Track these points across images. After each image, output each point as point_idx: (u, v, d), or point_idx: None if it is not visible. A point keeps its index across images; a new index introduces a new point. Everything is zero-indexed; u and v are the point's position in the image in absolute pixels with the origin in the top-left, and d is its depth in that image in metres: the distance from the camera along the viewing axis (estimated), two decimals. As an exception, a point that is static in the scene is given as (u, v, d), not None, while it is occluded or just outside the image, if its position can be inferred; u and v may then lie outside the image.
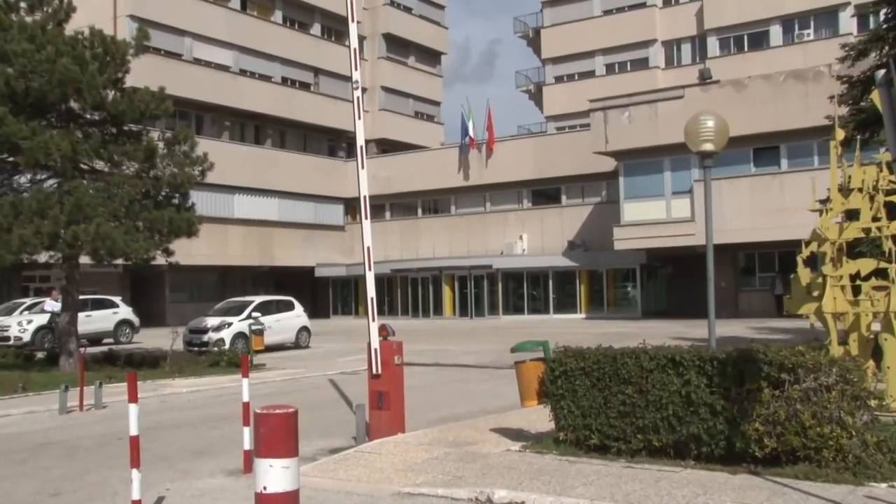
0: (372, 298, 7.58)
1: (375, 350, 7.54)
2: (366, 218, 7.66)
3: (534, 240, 32.34)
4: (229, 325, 17.87)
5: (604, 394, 6.08)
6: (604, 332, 21.28)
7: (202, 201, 30.32)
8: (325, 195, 36.84)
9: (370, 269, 7.69)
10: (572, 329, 23.13)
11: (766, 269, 27.32)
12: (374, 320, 7.52)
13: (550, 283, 31.00)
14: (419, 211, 36.48)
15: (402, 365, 7.74)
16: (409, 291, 33.86)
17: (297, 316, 20.06)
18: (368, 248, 7.62)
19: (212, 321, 18.08)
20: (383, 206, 36.75)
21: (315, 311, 35.22)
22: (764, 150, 24.77)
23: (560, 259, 30.45)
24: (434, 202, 36.32)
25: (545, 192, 33.72)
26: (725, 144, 7.22)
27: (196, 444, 7.71)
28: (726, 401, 5.48)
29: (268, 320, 18.23)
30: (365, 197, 7.64)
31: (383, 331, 7.61)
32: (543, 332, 20.70)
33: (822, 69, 23.62)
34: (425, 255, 34.47)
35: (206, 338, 17.52)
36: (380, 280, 33.06)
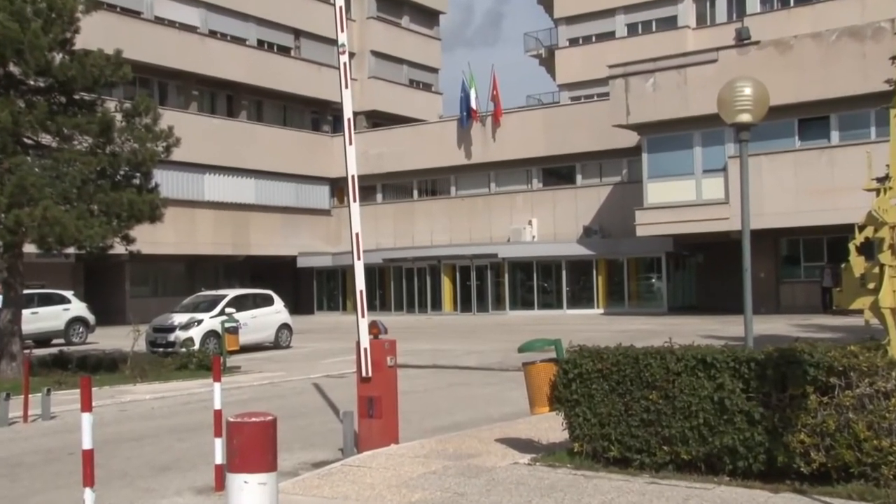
0: (361, 291, 7.57)
1: (365, 350, 7.53)
2: (354, 200, 7.66)
3: (545, 225, 32.33)
4: (199, 322, 17.86)
5: (624, 399, 6.06)
6: (624, 329, 21.27)
7: (167, 182, 30.35)
8: (308, 175, 36.79)
9: (359, 259, 7.68)
10: (588, 326, 23.10)
11: (813, 258, 27.19)
12: (363, 316, 7.51)
13: (564, 274, 31.02)
14: (415, 193, 36.45)
15: (395, 367, 7.74)
16: (403, 284, 33.88)
17: (277, 312, 20.07)
18: (357, 235, 7.62)
19: (179, 318, 18.06)
20: (374, 187, 36.67)
21: (297, 306, 35.23)
22: (811, 121, 24.50)
23: (574, 247, 30.46)
24: (432, 183, 36.27)
25: (558, 172, 33.61)
26: (765, 115, 7.15)
27: (160, 459, 7.69)
28: (766, 408, 5.44)
29: (243, 317, 18.21)
30: (353, 177, 7.64)
31: (374, 328, 7.60)
32: (555, 330, 20.73)
33: (884, 25, 22.97)
34: (422, 243, 34.47)
35: (172, 337, 17.52)
36: (370, 271, 33.05)
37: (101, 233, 12.71)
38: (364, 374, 7.54)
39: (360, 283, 7.63)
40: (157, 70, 32.71)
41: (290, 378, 13.76)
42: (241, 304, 19.03)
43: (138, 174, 13.84)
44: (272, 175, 35.33)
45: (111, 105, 14.11)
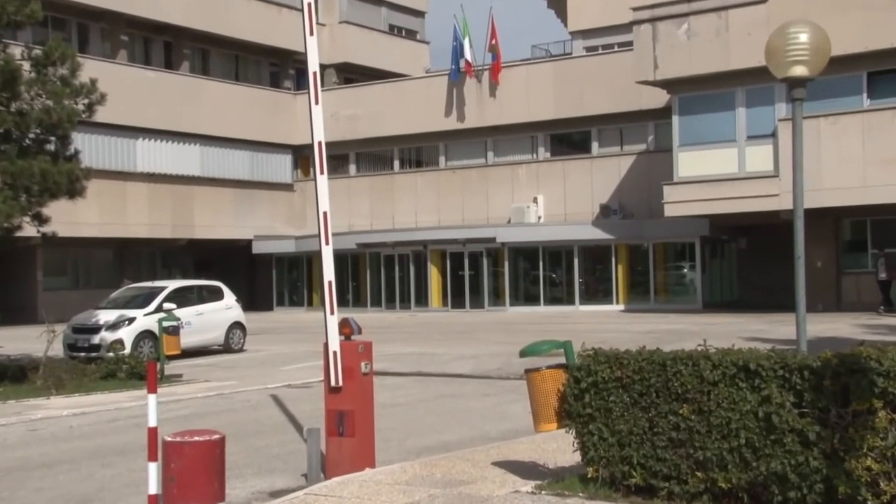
0: (330, 283, 7.56)
1: (335, 354, 7.53)
2: (322, 173, 7.66)
3: (553, 203, 32.38)
4: (131, 321, 17.79)
5: (649, 414, 6.05)
6: (649, 329, 21.34)
7: (91, 148, 30.19)
8: (265, 141, 36.67)
9: (328, 244, 7.67)
10: (606, 325, 23.15)
11: (884, 243, 26.95)
12: (333, 313, 7.50)
13: (576, 262, 31.10)
14: (396, 163, 36.40)
15: (371, 374, 7.75)
16: (381, 274, 33.91)
17: (228, 308, 20.04)
18: (325, 215, 7.62)
19: (105, 316, 17.98)
20: (346, 156, 36.63)
21: (252, 300, 35.19)
22: (883, 74, 24.28)
23: (589, 230, 30.52)
24: (416, 151, 36.24)
25: (569, 138, 33.56)
26: (826, 67, 7.11)
27: (79, 490, 7.63)
28: (823, 427, 5.42)
29: (185, 314, 18.13)
30: (320, 144, 7.62)
31: (346, 328, 7.62)
32: (566, 330, 20.79)
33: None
34: (404, 225, 34.47)
35: (96, 339, 17.45)
36: (341, 258, 32.94)
37: (5, 210, 12.54)
38: (333, 383, 7.54)
39: (329, 272, 7.61)
40: (77, 8, 32.33)
41: (244, 388, 13.74)
42: (182, 298, 18.97)
43: (53, 138, 13.65)
44: (221, 141, 35.16)
45: (16, 51, 13.86)
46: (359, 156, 36.87)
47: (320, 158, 7.67)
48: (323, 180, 7.69)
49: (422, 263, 33.29)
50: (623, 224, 30.40)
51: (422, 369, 15.38)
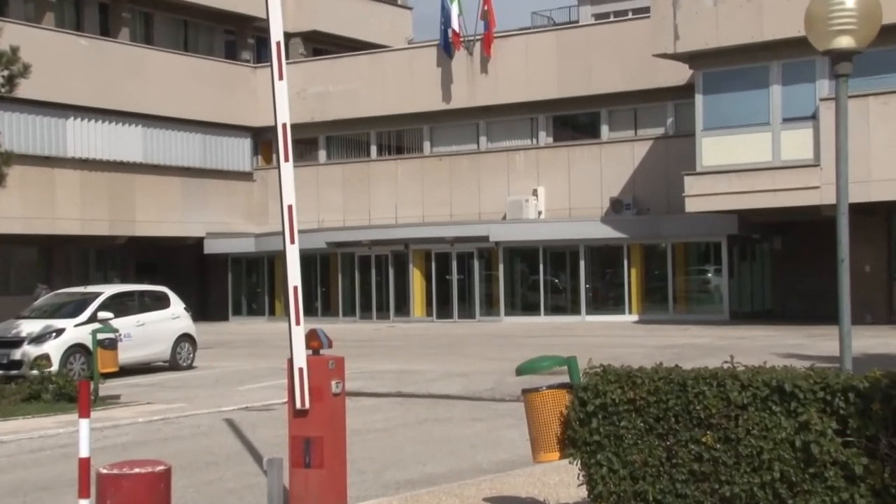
0: (296, 288, 7.54)
1: (301, 371, 7.50)
2: (287, 160, 7.66)
3: (556, 196, 32.44)
4: (59, 332, 17.68)
5: (667, 443, 6.05)
6: (668, 343, 21.38)
7: (12, 128, 29.95)
8: (220, 123, 36.55)
9: (293, 243, 7.64)
10: (617, 339, 23.19)
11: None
12: (299, 324, 7.48)
13: (582, 265, 31.17)
14: (373, 149, 36.38)
15: (343, 395, 7.75)
16: (355, 278, 33.93)
17: (175, 317, 19.97)
18: (291, 209, 7.62)
19: (29, 327, 17.85)
20: (315, 140, 36.64)
21: (204, 308, 35.06)
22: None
23: (598, 227, 30.62)
24: (397, 136, 36.25)
25: (575, 121, 33.60)
26: (875, 38, 7.12)
27: (-1, 528, 7.58)
28: (872, 458, 5.41)
29: (124, 324, 18.03)
30: (285, 126, 7.62)
31: (314, 341, 7.63)
32: (570, 344, 20.79)
33: None
34: (383, 220, 34.46)
35: (18, 354, 17.31)
36: (310, 259, 32.80)
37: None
38: (299, 405, 7.52)
39: (295, 276, 7.58)
40: (0, -33, 32.12)
41: (193, 412, 13.69)
42: (121, 306, 18.89)
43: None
44: (167, 122, 35.01)
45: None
46: (330, 140, 36.83)
47: (284, 143, 7.64)
48: (288, 168, 7.67)
49: (403, 266, 33.28)
50: (637, 221, 30.50)
51: (402, 389, 15.36)
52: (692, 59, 26.87)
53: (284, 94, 7.65)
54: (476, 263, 32.28)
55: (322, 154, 36.84)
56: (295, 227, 7.68)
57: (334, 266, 34.47)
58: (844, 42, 6.96)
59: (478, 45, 33.47)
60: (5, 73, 13.61)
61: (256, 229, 36.41)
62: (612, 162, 31.65)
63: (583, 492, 6.57)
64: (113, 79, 33.09)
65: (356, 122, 35.80)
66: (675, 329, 26.24)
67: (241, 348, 24.51)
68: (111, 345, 15.47)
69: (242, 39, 39.62)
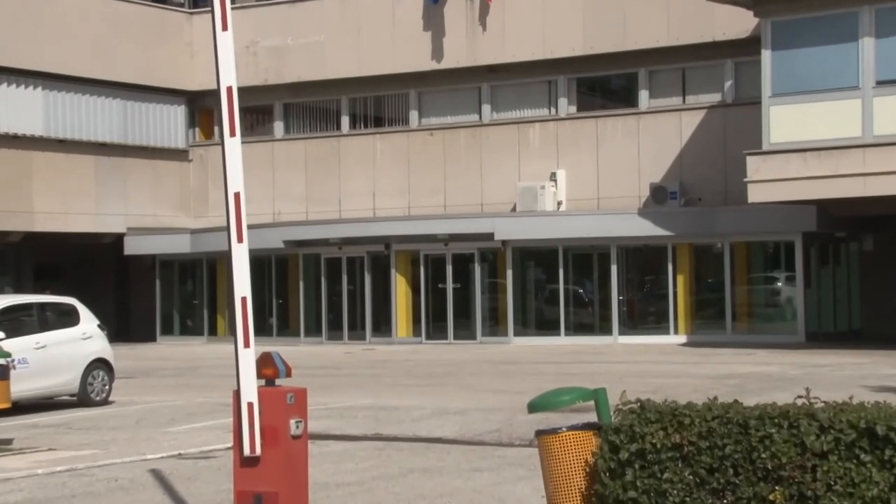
0: (244, 300, 7.53)
1: (251, 407, 7.49)
2: (233, 134, 7.68)
3: (580, 182, 32.43)
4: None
5: (724, 501, 6.07)
6: (724, 372, 21.35)
7: None
8: (145, 85, 36.43)
9: (241, 241, 7.63)
10: (659, 366, 23.15)
11: None
12: (248, 346, 7.47)
13: (614, 271, 31.17)
14: (344, 121, 36.29)
15: (305, 438, 7.76)
16: (322, 287, 33.91)
17: (85, 337, 19.86)
18: (238, 198, 7.65)
19: None
20: (270, 109, 36.62)
21: (125, 326, 35.00)
22: None
23: (634, 222, 30.62)
24: (375, 103, 36.23)
25: (605, 85, 33.59)
26: None
27: None
28: None
29: (19, 347, 17.94)
30: (230, 90, 7.64)
31: (268, 367, 7.64)
32: (599, 373, 20.62)
33: None
34: (357, 213, 34.42)
35: None
36: (262, 263, 32.80)
37: None
38: (248, 450, 7.53)
39: (243, 284, 7.58)
40: None
41: (109, 461, 13.62)
42: (15, 323, 18.74)
43: None
44: (76, 84, 34.92)
45: None
46: (288, 109, 36.80)
47: (230, 112, 7.63)
48: (234, 145, 7.67)
49: (383, 271, 33.25)
50: (685, 214, 30.51)
51: (382, 431, 15.32)
52: (758, 4, 26.88)
53: (230, 49, 7.64)
54: (477, 269, 32.25)
55: (279, 126, 36.76)
56: (243, 221, 7.67)
57: (294, 271, 34.37)
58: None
59: (480, -14, 33.54)
60: None
61: (193, 223, 36.31)
62: (654, 138, 31.64)
63: (613, 563, 6.57)
64: (4, 28, 33.01)
65: (322, 86, 35.71)
66: (733, 354, 26.18)
67: (173, 378, 24.40)
68: (2, 373, 15.41)
69: (176, -22, 39.56)
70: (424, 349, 30.87)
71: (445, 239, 32.27)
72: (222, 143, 7.70)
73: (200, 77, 35.43)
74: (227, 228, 7.66)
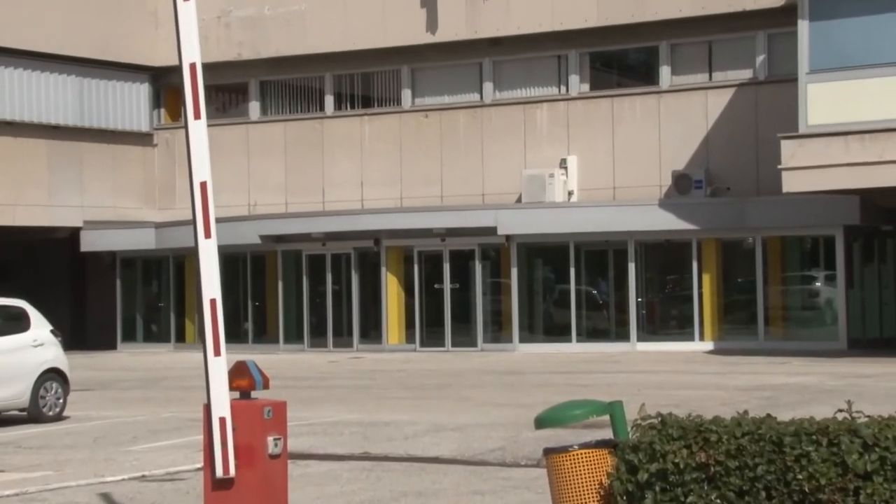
0: (214, 302, 7.52)
1: (223, 423, 7.48)
2: (197, 117, 7.70)
3: (594, 170, 32.42)
4: None
5: (756, 527, 6.07)
6: (756, 384, 21.36)
7: None
8: (105, 60, 36.36)
9: (209, 237, 7.62)
10: (683, 376, 23.14)
11: None
12: (219, 354, 7.46)
13: (632, 270, 31.19)
14: (328, 101, 36.23)
15: (284, 457, 7.77)
16: (303, 288, 33.94)
17: (36, 344, 19.82)
18: (205, 188, 7.65)
19: None
20: (245, 87, 36.67)
21: (82, 332, 34.96)
22: None
23: (655, 215, 30.64)
24: (363, 81, 36.23)
25: (622, 60, 33.57)
26: None
27: None
28: None
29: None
30: (194, 67, 7.64)
31: (243, 378, 7.66)
32: (615, 384, 20.54)
33: None
34: (342, 204, 34.41)
35: None
36: (236, 260, 32.84)
37: None
38: (220, 472, 7.54)
39: (213, 285, 7.57)
40: None
41: (64, 483, 13.59)
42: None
43: None
44: (26, 58, 34.89)
45: None
46: (265, 87, 36.78)
47: (194, 92, 7.62)
48: (199, 129, 7.66)
49: (372, 270, 33.28)
50: (712, 206, 30.53)
51: (371, 449, 15.30)
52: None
53: (193, 21, 7.63)
54: (478, 267, 32.27)
55: (254, 107, 36.71)
56: (211, 215, 7.66)
57: (272, 270, 34.37)
58: None
59: (481, -52, 33.51)
60: None
61: (158, 216, 36.26)
62: (676, 120, 31.65)
63: None
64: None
65: (303, 61, 35.70)
66: (766, 363, 26.18)
67: (136, 390, 24.35)
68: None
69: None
70: (419, 358, 30.88)
71: (442, 234, 32.28)
72: (186, 128, 7.68)
73: (166, 51, 35.23)
74: (194, 223, 7.64)
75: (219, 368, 7.49)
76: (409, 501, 12.21)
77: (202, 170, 7.62)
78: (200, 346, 7.59)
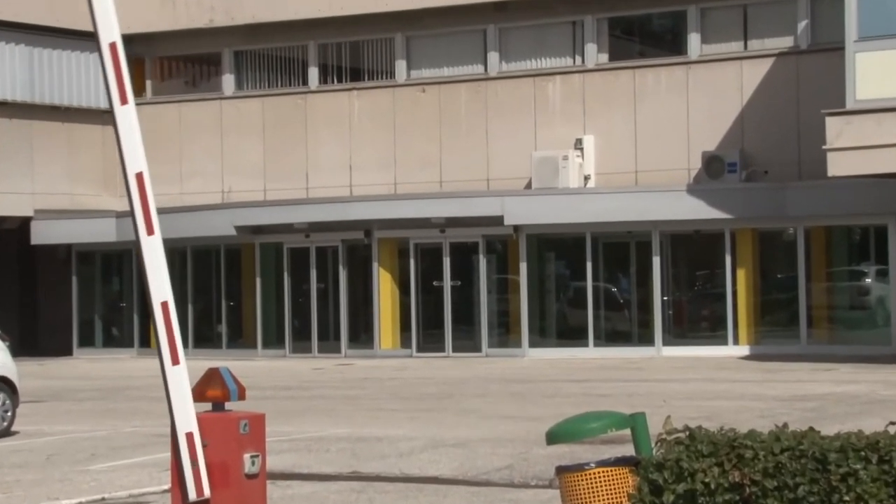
0: (165, 305, 7.53)
1: (191, 438, 7.49)
2: (123, 102, 7.73)
3: (613, 151, 32.44)
4: None
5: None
6: (798, 393, 21.36)
7: None
8: (56, 27, 36.33)
9: (151, 233, 7.63)
10: (715, 385, 23.15)
11: None
12: (177, 362, 7.47)
13: (657, 264, 31.23)
14: (312, 74, 36.24)
15: (263, 477, 7.80)
16: (284, 286, 34.01)
17: (-19, 351, 19.88)
18: (140, 178, 7.75)
19: None
20: (218, 58, 36.76)
21: (32, 335, 34.99)
22: None
23: (683, 202, 30.66)
24: (352, 52, 36.29)
25: (644, 26, 33.58)
26: None
27: None
28: None
29: None
30: (114, 48, 7.65)
31: (215, 387, 7.69)
32: (637, 394, 20.53)
33: None
34: (328, 191, 34.45)
35: None
36: (208, 254, 32.91)
37: None
38: (193, 494, 7.56)
39: (161, 286, 7.58)
40: None
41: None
42: None
43: None
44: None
45: None
46: (241, 58, 36.80)
47: (118, 75, 7.60)
48: (127, 114, 7.70)
49: (363, 266, 33.35)
50: (748, 191, 30.58)
51: (361, 468, 15.32)
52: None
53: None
54: (482, 262, 32.33)
55: (228, 80, 36.68)
56: (152, 208, 7.66)
57: (249, 265, 34.40)
58: None
59: None
60: None
61: (119, 204, 36.08)
62: (707, 94, 31.66)
63: None
64: None
65: (284, 29, 35.73)
66: (809, 370, 26.18)
67: (94, 401, 24.33)
68: None
69: None
70: (415, 364, 30.90)
71: (442, 224, 32.30)
72: (113, 114, 7.70)
73: (127, 17, 35.28)
74: (133, 218, 7.66)
75: (179, 378, 7.49)
76: (404, 527, 12.24)
77: (136, 159, 7.64)
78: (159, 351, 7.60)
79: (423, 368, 29.78)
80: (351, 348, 33.06)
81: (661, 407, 16.39)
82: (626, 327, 31.71)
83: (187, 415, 7.50)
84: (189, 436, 7.50)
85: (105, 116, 37.42)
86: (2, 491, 14.68)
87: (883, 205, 28.91)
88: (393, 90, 35.03)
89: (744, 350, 30.23)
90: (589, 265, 31.72)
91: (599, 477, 6.58)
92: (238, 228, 33.39)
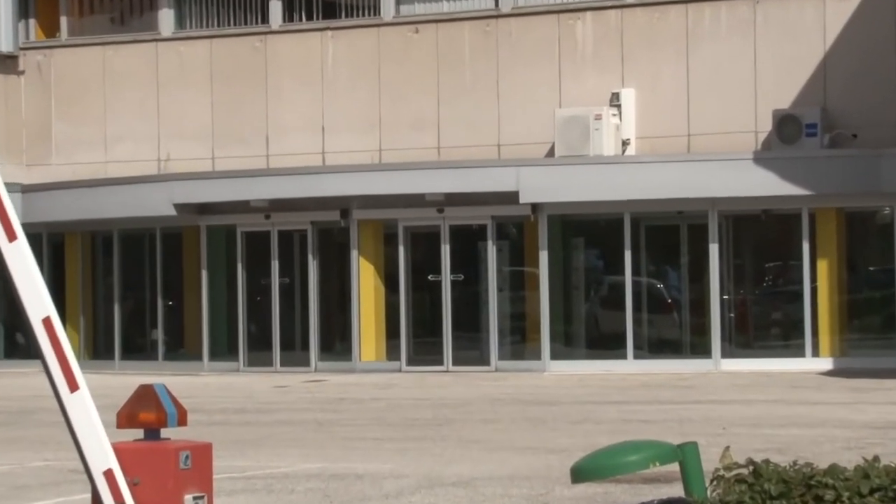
0: (47, 321, 7.53)
1: (111, 476, 7.52)
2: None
3: (658, 109, 32.59)
4: None
5: None
6: (893, 419, 21.40)
7: None
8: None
9: (13, 238, 7.63)
10: (788, 407, 23.27)
11: None
12: (75, 387, 7.47)
13: (714, 253, 31.38)
14: (274, 9, 36.27)
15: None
16: (238, 280, 34.30)
17: None
18: None
19: None
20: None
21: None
22: None
23: (747, 174, 30.85)
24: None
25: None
26: None
27: None
28: None
29: None
30: None
31: (148, 409, 7.63)
32: (687, 419, 20.68)
33: None
34: (295, 160, 34.52)
35: None
36: (140, 240, 33.02)
37: None
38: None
39: (38, 299, 7.59)
40: None
41: None
42: None
43: None
44: None
45: None
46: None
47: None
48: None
49: (338, 254, 33.57)
50: (832, 161, 30.81)
51: (335, 514, 15.44)
52: None
53: None
54: (492, 250, 32.52)
55: (166, 17, 36.73)
56: (8, 209, 7.69)
57: (193, 254, 34.59)
58: None
59: None
60: None
61: (26, 175, 36.25)
62: (781, 37, 31.82)
63: None
64: None
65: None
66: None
67: (4, 427, 24.52)
68: None
69: None
70: (405, 381, 31.08)
71: (440, 202, 32.45)
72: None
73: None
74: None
75: (81, 406, 7.50)
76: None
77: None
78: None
79: (415, 387, 29.94)
80: (323, 360, 33.22)
81: (718, 436, 16.45)
82: (676, 335, 31.87)
83: (102, 449, 7.50)
84: (109, 473, 7.52)
85: (7, 62, 37.71)
86: None
87: None
88: (377, 31, 35.13)
89: (826, 364, 30.36)
90: (628, 255, 31.86)
91: (638, 526, 6.65)
92: (178, 207, 33.49)
